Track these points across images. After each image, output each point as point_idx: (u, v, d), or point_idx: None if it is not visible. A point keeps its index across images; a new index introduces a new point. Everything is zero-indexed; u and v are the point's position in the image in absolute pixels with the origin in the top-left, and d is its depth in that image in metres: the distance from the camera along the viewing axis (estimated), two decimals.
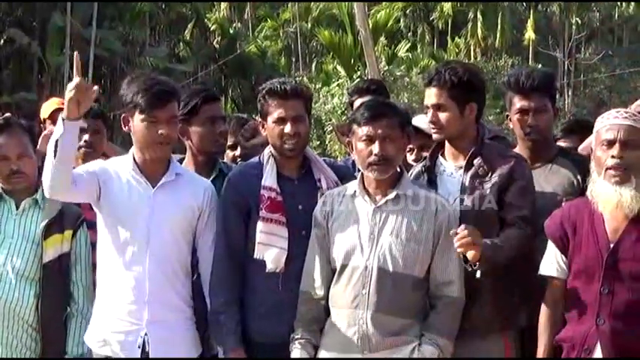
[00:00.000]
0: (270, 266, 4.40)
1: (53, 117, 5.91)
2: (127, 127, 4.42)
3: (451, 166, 4.54)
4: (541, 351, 4.17)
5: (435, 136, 4.55)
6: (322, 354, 4.33)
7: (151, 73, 4.66)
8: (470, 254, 3.99)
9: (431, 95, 4.49)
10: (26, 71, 41.25)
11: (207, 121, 4.88)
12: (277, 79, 4.65)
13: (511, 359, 4.43)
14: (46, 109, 6.35)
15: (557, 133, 5.51)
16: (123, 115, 4.41)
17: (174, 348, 4.42)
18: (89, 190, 4.36)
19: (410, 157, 5.20)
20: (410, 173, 4.57)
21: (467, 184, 4.42)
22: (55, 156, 4.04)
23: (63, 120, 4.04)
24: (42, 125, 6.33)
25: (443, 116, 4.46)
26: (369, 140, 4.22)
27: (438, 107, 4.46)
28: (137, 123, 4.36)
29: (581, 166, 4.56)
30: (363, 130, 4.25)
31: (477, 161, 4.43)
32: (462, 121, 4.48)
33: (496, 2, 49.72)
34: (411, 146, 5.10)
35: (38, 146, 5.47)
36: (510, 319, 4.42)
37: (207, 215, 4.52)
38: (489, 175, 4.40)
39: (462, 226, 3.97)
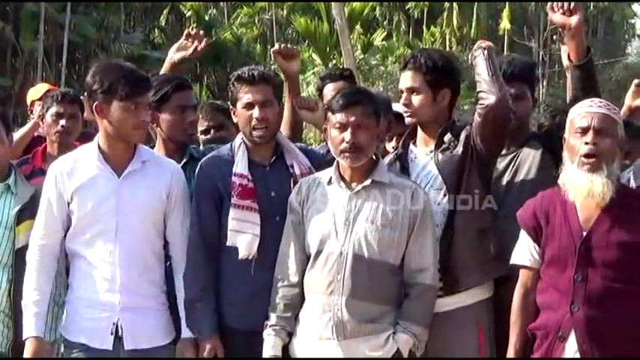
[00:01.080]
0: (242, 253, 4.41)
1: (42, 99, 5.95)
2: (100, 115, 4.37)
3: (422, 152, 4.57)
4: (513, 340, 4.19)
5: (407, 120, 4.59)
6: (296, 341, 4.34)
7: (120, 61, 4.67)
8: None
9: (406, 79, 4.53)
10: (0, 56, 40.95)
11: (177, 110, 4.89)
12: (248, 67, 4.67)
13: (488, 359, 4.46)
14: (35, 92, 6.40)
15: (545, 121, 5.52)
16: (96, 103, 4.36)
17: (147, 334, 4.43)
18: (64, 219, 4.44)
19: (389, 145, 5.20)
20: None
21: (440, 159, 4.46)
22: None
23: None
24: (30, 108, 6.37)
25: (416, 100, 4.50)
26: (342, 128, 4.23)
27: (411, 90, 4.51)
28: (116, 110, 4.34)
29: (554, 142, 4.57)
30: (336, 118, 4.26)
31: (447, 137, 4.49)
32: (435, 107, 4.52)
33: None
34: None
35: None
36: (488, 271, 4.44)
37: (174, 198, 4.51)
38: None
39: None
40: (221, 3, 51.67)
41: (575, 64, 4.58)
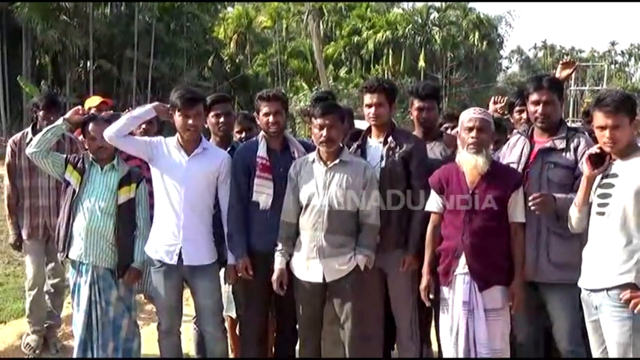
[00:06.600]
0: (262, 205, 4.38)
1: (98, 107, 5.77)
2: (172, 119, 4.40)
3: (375, 142, 4.51)
4: (427, 257, 4.18)
5: (374, 123, 4.48)
6: (294, 259, 4.33)
7: (187, 86, 4.60)
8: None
9: (374, 97, 4.42)
10: (109, 86, 40.65)
11: (214, 116, 4.83)
12: (265, 90, 4.66)
13: None
14: (92, 101, 6.03)
15: (442, 119, 5.50)
16: (170, 111, 4.40)
17: (199, 255, 4.40)
18: (139, 149, 4.41)
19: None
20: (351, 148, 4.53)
21: (384, 153, 4.41)
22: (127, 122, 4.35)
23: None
24: (89, 111, 5.83)
25: (382, 110, 4.42)
26: (321, 127, 4.20)
27: (379, 105, 4.41)
28: (176, 116, 4.35)
29: (449, 139, 4.63)
30: (317, 121, 4.22)
31: (390, 139, 4.43)
32: (390, 114, 4.48)
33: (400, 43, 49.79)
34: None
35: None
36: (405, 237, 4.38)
37: (223, 174, 4.46)
38: (398, 148, 4.39)
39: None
40: (245, 50, 51.23)
41: None
